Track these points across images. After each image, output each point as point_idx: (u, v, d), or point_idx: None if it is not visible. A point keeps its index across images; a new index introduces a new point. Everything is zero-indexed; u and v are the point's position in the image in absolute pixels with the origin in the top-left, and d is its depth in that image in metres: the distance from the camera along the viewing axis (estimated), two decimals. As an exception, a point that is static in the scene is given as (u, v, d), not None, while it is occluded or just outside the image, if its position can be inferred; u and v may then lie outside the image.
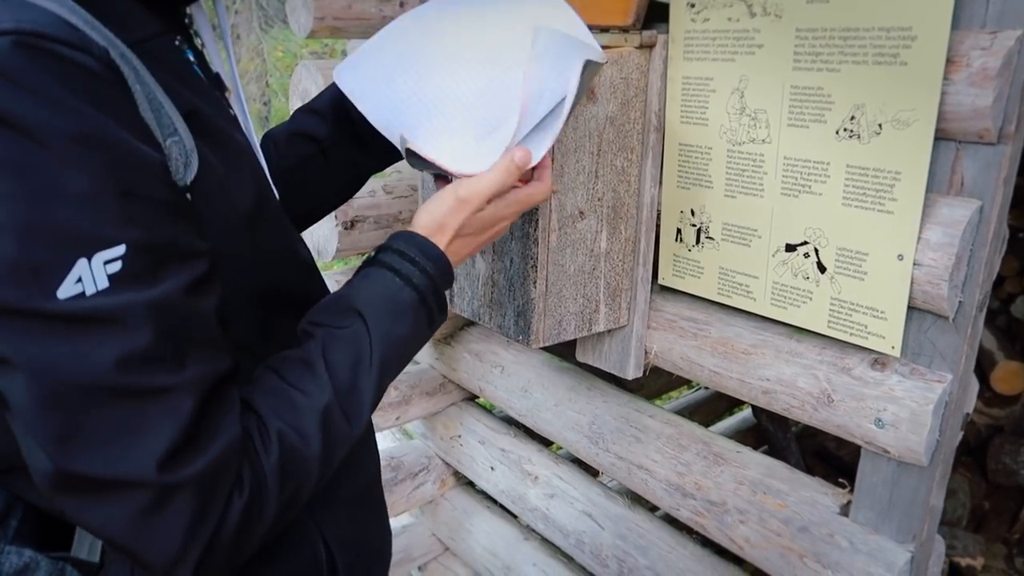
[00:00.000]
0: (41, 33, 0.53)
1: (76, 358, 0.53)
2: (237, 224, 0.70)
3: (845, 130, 1.02)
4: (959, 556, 2.52)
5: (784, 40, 1.06)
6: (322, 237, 1.68)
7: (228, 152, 0.71)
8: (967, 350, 1.03)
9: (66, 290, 0.52)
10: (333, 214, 1.63)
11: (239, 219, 0.70)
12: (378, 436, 2.15)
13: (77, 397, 0.54)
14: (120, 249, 0.54)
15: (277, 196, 0.86)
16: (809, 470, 2.73)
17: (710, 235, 1.24)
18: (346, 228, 1.65)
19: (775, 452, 2.80)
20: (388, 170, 1.88)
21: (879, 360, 1.08)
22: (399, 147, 0.91)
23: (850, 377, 1.10)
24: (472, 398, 2.06)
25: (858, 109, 1.00)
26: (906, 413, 1.03)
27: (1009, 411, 2.98)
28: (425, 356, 2.03)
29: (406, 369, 2.03)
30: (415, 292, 0.77)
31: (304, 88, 1.62)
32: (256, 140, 0.86)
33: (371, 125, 1.06)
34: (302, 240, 0.86)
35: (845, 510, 1.19)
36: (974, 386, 1.10)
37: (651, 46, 1.22)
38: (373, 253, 0.81)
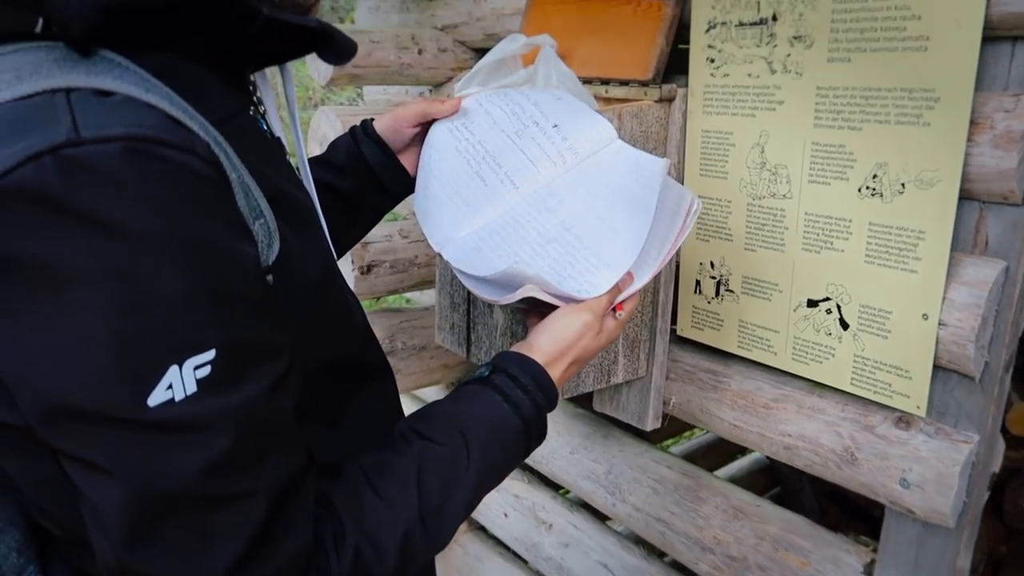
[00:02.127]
0: (151, 138, 0.52)
1: (162, 466, 0.53)
2: (308, 298, 0.69)
3: (867, 188, 1.02)
4: (978, 604, 2.47)
5: (805, 97, 1.07)
6: (338, 281, 1.68)
7: (300, 222, 0.70)
8: (994, 410, 1.02)
9: (156, 397, 0.52)
10: (349, 258, 1.63)
11: (310, 293, 0.69)
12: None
13: (158, 503, 0.53)
14: (210, 354, 0.54)
15: (335, 256, 0.86)
16: (823, 513, 2.69)
17: (730, 288, 1.24)
18: (362, 273, 1.65)
19: (789, 494, 2.77)
20: (403, 212, 1.89)
21: (904, 418, 1.07)
22: (505, 300, 0.90)
23: (874, 435, 1.09)
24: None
25: (880, 168, 1.00)
26: (932, 474, 1.02)
27: (1026, 454, 2.94)
28: (436, 398, 2.02)
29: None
30: (521, 421, 0.77)
31: (323, 134, 1.63)
32: (315, 196, 0.85)
33: (389, 170, 1.07)
34: (357, 301, 0.85)
35: (869, 569, 1.16)
36: (1000, 446, 1.08)
37: (671, 99, 1.23)
38: (486, 372, 0.81)
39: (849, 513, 2.74)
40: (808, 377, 1.16)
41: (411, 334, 1.76)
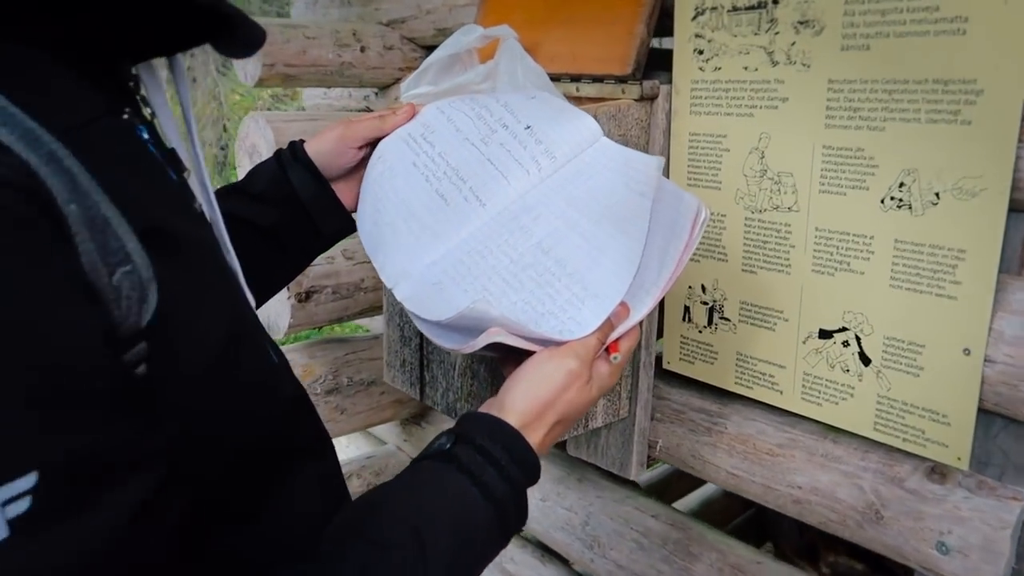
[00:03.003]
0: None
1: None
2: (206, 366, 0.50)
3: (892, 199, 0.86)
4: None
5: (814, 93, 0.90)
6: (272, 311, 1.48)
7: (195, 265, 0.51)
8: (1046, 460, 0.86)
9: None
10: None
11: (210, 356, 0.50)
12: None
13: None
14: (29, 479, 0.35)
15: (253, 302, 0.67)
16: (811, 548, 2.54)
17: (725, 315, 1.07)
18: (300, 300, 1.44)
19: (773, 526, 2.61)
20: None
21: (937, 469, 0.91)
22: (468, 349, 0.72)
23: (902, 490, 0.92)
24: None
25: (908, 175, 0.84)
26: (977, 538, 0.86)
27: None
28: (392, 437, 1.82)
29: (369, 454, 1.82)
30: (494, 508, 0.60)
31: (252, 144, 1.43)
32: (224, 230, 0.66)
33: (323, 205, 0.89)
34: (283, 363, 0.65)
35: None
36: (1047, 497, 0.93)
37: (652, 98, 1.05)
38: (447, 443, 0.63)
39: (847, 547, 2.60)
40: (821, 420, 0.99)
41: (358, 368, 1.56)
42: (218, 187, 0.95)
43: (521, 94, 0.93)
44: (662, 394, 1.19)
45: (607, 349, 0.74)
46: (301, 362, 1.49)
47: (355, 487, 1.69)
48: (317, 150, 0.92)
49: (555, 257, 0.77)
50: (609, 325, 0.73)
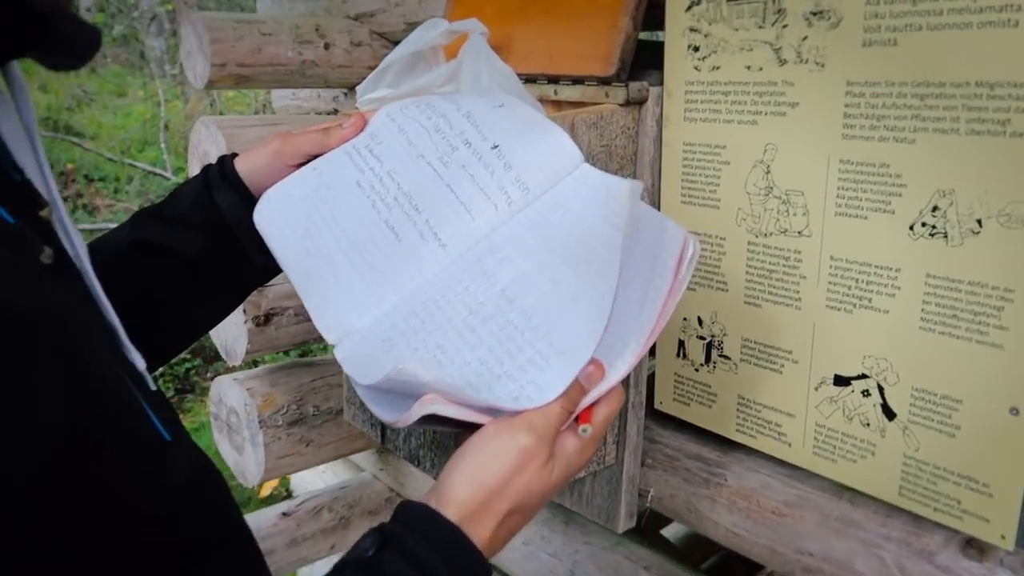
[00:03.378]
0: None
1: None
2: (38, 466, 0.37)
3: (924, 225, 0.72)
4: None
5: (830, 97, 0.76)
6: (229, 336, 1.34)
7: (22, 346, 0.38)
8: (1108, 538, 0.72)
9: None
10: (242, 307, 1.30)
11: (41, 459, 0.37)
12: (308, 569, 1.79)
13: None
14: None
15: (139, 363, 0.54)
16: None
17: (725, 353, 0.93)
18: (258, 324, 1.31)
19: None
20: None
21: (973, 543, 0.77)
22: (402, 423, 0.59)
23: (932, 565, 0.78)
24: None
25: (944, 197, 0.70)
26: (1025, 631, 0.72)
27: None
28: (369, 465, 1.69)
29: (343, 483, 1.69)
30: None
31: (204, 151, 1.29)
32: (95, 280, 0.52)
33: (255, 230, 0.76)
34: (180, 437, 0.52)
35: None
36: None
37: (640, 103, 0.91)
38: (370, 548, 0.51)
39: None
40: (837, 480, 0.85)
41: (326, 395, 1.42)
42: (140, 208, 0.82)
43: (486, 99, 0.79)
44: (654, 436, 1.05)
45: (576, 419, 0.60)
46: (261, 391, 1.36)
47: (325, 523, 1.56)
48: (250, 167, 0.79)
49: (520, 307, 0.63)
50: (579, 389, 0.59)
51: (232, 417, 1.40)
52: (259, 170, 0.78)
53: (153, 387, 0.58)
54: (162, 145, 5.97)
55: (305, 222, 0.74)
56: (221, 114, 6.08)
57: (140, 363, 0.56)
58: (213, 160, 1.28)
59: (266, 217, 0.74)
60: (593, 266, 0.62)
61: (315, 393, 1.42)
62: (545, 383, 0.59)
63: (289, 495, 2.43)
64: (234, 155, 0.80)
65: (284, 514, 1.54)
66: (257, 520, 1.52)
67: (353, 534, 1.60)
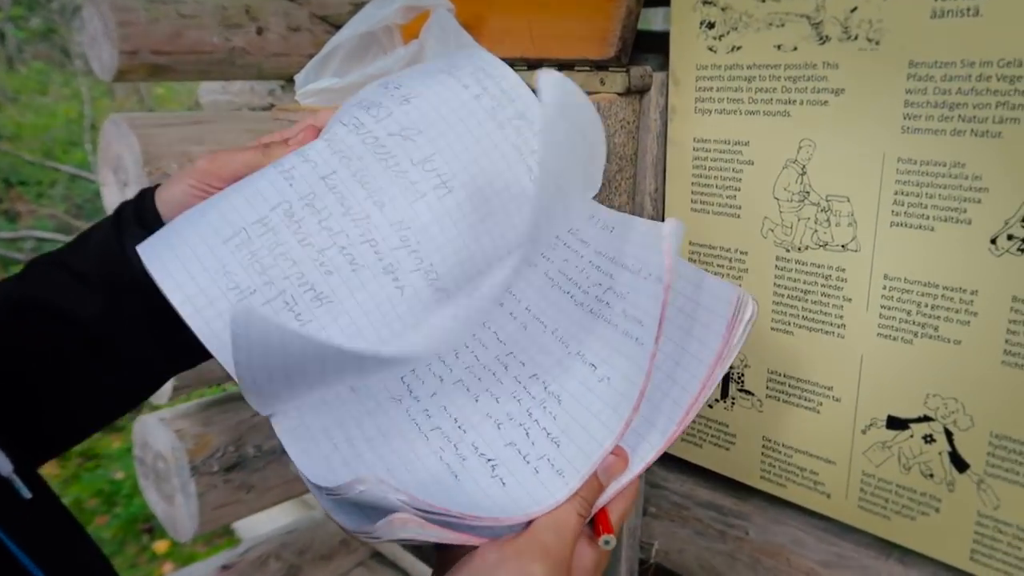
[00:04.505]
0: None
1: None
2: None
3: (1011, 238, 0.58)
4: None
5: (887, 81, 0.62)
6: (151, 369, 1.15)
7: None
8: None
9: None
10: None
11: None
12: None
13: None
14: None
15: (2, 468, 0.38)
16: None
17: (746, 387, 0.78)
18: (186, 356, 1.12)
19: None
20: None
21: (1061, 615, 0.64)
22: (374, 539, 0.43)
23: (1013, 644, 0.65)
24: (381, 555, 1.54)
25: (1038, 203, 0.57)
26: None
27: None
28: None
29: (290, 527, 1.50)
30: None
31: (116, 155, 1.10)
32: None
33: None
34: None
35: None
36: None
37: (643, 91, 0.76)
38: None
39: None
40: (890, 539, 0.71)
41: (268, 432, 1.24)
42: (38, 256, 0.62)
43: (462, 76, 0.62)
44: (656, 481, 0.90)
45: (593, 525, 0.45)
46: (192, 432, 1.17)
47: (273, 571, 1.37)
48: (173, 199, 0.60)
49: (539, 374, 0.49)
50: (596, 486, 0.44)
51: (159, 463, 1.21)
52: (183, 202, 0.59)
53: (27, 494, 0.42)
54: (88, 146, 5.61)
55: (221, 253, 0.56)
56: (151, 111, 5.74)
57: (4, 467, 0.39)
58: (127, 167, 1.08)
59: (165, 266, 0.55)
60: (620, 328, 0.48)
61: (256, 431, 1.23)
62: (552, 479, 0.44)
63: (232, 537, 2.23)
64: (155, 187, 0.62)
65: (224, 567, 1.35)
66: (192, 576, 1.33)
67: (305, 584, 1.41)
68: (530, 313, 0.54)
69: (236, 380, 0.51)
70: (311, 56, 1.16)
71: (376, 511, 0.41)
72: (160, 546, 2.60)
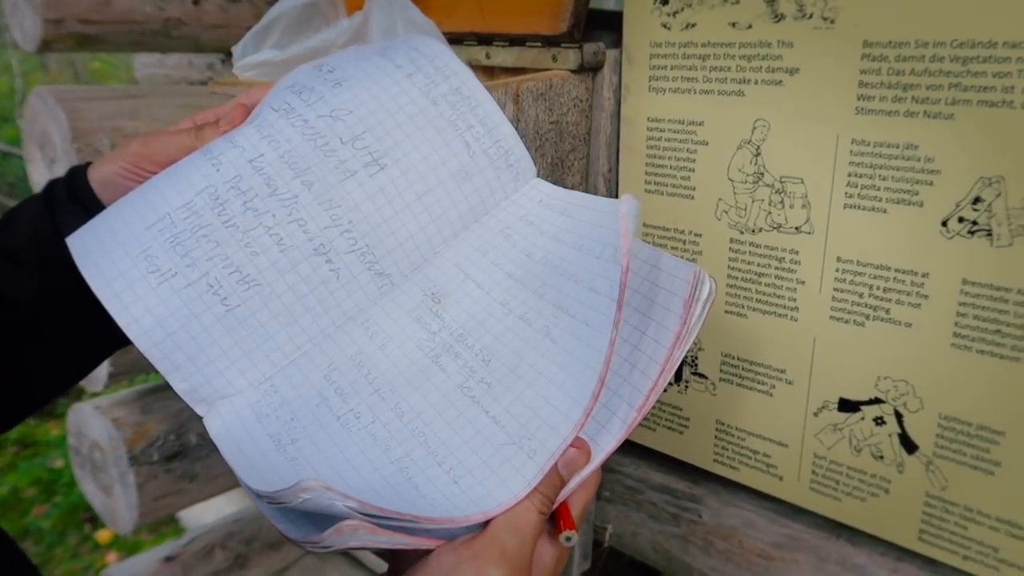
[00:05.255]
0: None
1: None
2: None
3: (962, 220, 0.58)
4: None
5: (841, 61, 0.61)
6: (85, 357, 1.10)
7: None
8: None
9: None
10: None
11: None
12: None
13: None
14: None
15: None
16: None
17: (699, 371, 0.78)
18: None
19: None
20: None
21: (1004, 592, 0.65)
22: (320, 547, 0.40)
23: (958, 621, 0.66)
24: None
25: (990, 186, 0.56)
26: None
27: None
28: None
29: (236, 515, 1.47)
30: None
31: (42, 130, 1.04)
32: None
33: None
34: None
35: None
36: None
37: (596, 69, 0.74)
38: None
39: None
40: (840, 520, 0.72)
41: (212, 421, 1.20)
42: None
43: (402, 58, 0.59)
44: (611, 465, 0.89)
45: (554, 520, 0.44)
46: (130, 420, 1.12)
47: (218, 565, 1.34)
48: (104, 179, 0.58)
49: (496, 371, 0.47)
50: (556, 481, 0.43)
51: (96, 453, 1.16)
52: (115, 178, 0.57)
53: None
54: (20, 122, 5.38)
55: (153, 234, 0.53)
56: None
57: None
58: (55, 143, 1.03)
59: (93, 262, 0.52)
60: (577, 315, 0.46)
61: (198, 418, 1.19)
62: (510, 474, 0.42)
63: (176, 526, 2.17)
64: (86, 165, 0.59)
65: (168, 558, 1.31)
66: (133, 568, 1.28)
67: (253, 572, 1.38)
68: (482, 303, 0.52)
69: (157, 368, 0.48)
70: (251, 28, 1.11)
71: (323, 518, 0.39)
72: (103, 535, 2.52)
